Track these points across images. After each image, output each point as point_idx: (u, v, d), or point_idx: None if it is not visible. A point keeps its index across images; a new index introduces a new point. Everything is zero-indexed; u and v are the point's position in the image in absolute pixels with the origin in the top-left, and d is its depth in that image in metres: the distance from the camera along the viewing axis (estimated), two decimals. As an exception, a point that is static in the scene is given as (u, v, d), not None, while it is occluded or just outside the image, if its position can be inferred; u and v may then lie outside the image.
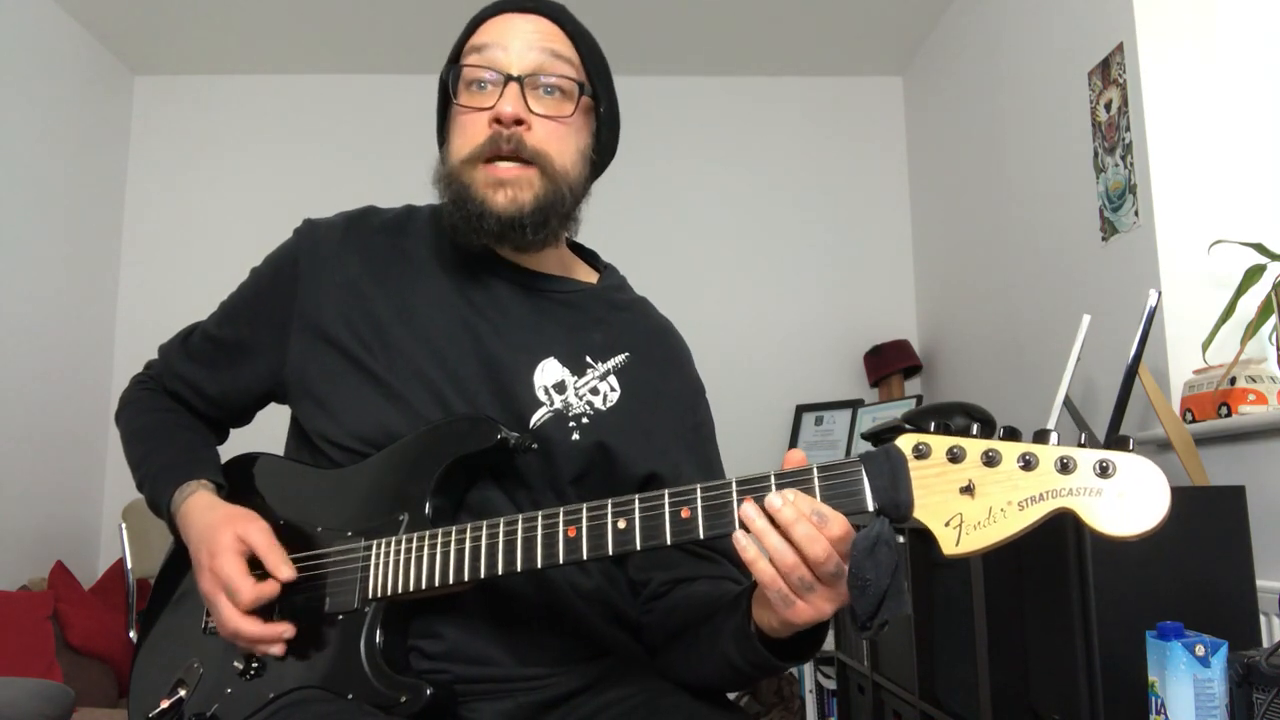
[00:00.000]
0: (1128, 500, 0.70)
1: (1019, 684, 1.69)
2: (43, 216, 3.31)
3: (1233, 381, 1.87)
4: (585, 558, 0.87)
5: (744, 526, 0.80)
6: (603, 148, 1.12)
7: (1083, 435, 0.74)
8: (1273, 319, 1.84)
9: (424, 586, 0.94)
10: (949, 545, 0.74)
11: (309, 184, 3.73)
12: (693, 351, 1.20)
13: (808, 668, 3.18)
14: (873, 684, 2.45)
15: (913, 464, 0.77)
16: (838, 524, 0.78)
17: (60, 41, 3.42)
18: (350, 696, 0.94)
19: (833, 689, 2.96)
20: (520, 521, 0.91)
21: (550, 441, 1.03)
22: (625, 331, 1.13)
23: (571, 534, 0.88)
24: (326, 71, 3.89)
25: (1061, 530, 1.54)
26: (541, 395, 1.05)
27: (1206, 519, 1.56)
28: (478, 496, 1.03)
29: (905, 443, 0.78)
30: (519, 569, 0.90)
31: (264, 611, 0.99)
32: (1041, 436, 0.74)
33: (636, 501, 0.86)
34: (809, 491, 0.80)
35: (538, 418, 1.04)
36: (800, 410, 3.73)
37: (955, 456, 0.75)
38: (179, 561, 1.13)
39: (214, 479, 1.10)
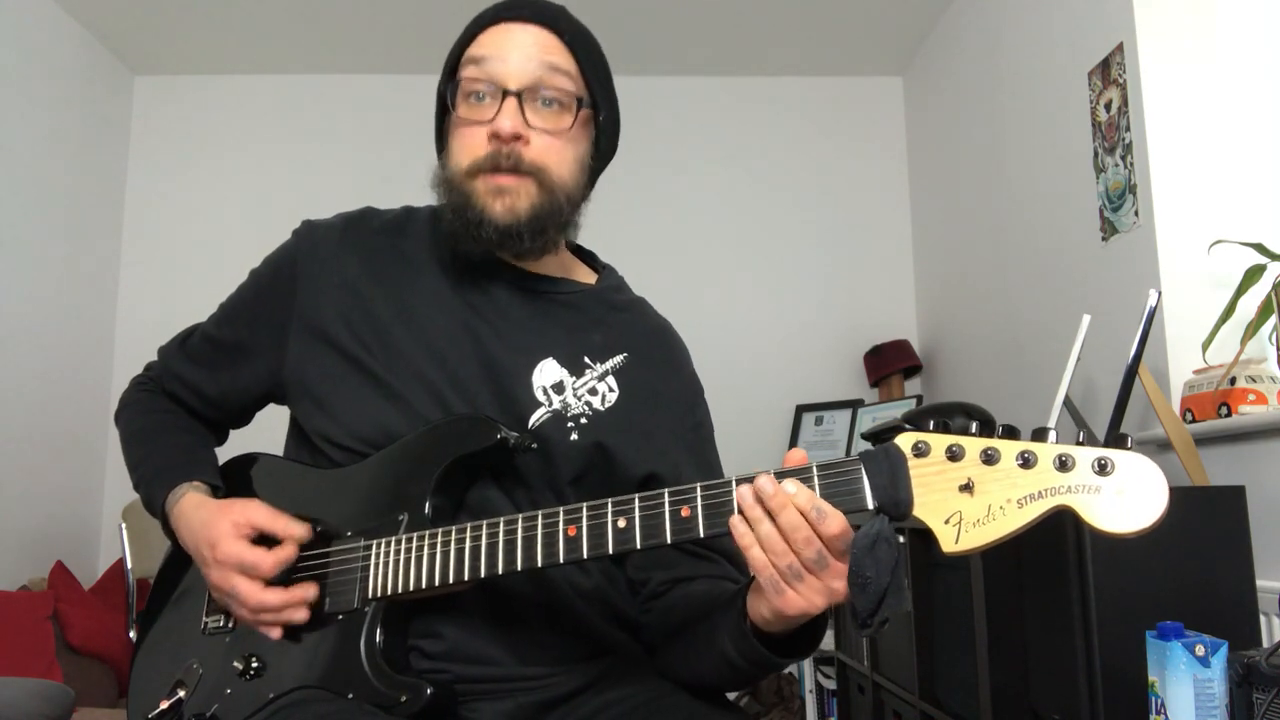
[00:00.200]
0: (1126, 498, 0.70)
1: (1019, 684, 1.69)
2: (43, 216, 3.31)
3: (1233, 381, 1.87)
4: (585, 557, 0.88)
5: (742, 513, 0.81)
6: (602, 154, 1.12)
7: (1081, 433, 0.74)
8: (1273, 319, 1.84)
9: (424, 586, 0.94)
10: (948, 543, 0.74)
11: (309, 184, 3.73)
12: (692, 351, 1.20)
13: (808, 668, 3.18)
14: (873, 684, 2.45)
15: (912, 462, 0.77)
16: (835, 521, 0.78)
17: (60, 41, 3.42)
18: (350, 696, 0.94)
19: (833, 689, 2.96)
20: (520, 521, 0.91)
21: (549, 442, 1.04)
22: (624, 332, 1.13)
23: (572, 533, 0.88)
24: (326, 71, 3.89)
25: (1062, 530, 1.54)
26: (540, 396, 1.05)
27: (1206, 519, 1.56)
28: (477, 496, 1.03)
29: (904, 441, 0.78)
30: (519, 568, 0.90)
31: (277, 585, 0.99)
32: (1040, 435, 0.74)
33: (636, 500, 0.86)
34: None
35: (536, 418, 1.04)
36: (800, 410, 3.73)
37: (954, 455, 0.75)
38: (178, 562, 1.13)
39: (209, 480, 1.11)
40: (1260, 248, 1.90)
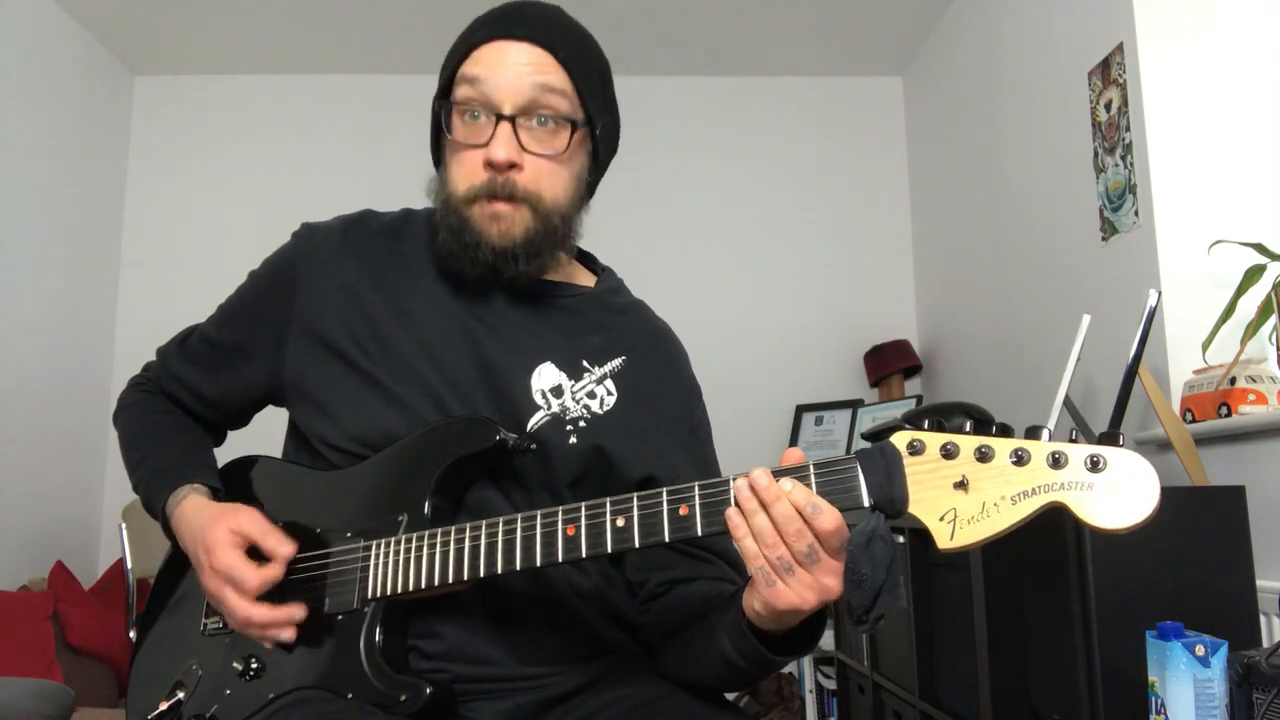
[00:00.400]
0: (1119, 494, 0.71)
1: (1019, 684, 1.69)
2: (43, 216, 3.32)
3: (1233, 381, 1.87)
4: (584, 556, 0.88)
5: (738, 505, 0.82)
6: (601, 163, 1.12)
7: (1074, 430, 0.75)
8: (1273, 319, 1.84)
9: (423, 586, 0.94)
10: (943, 540, 0.75)
11: (309, 184, 3.74)
12: (692, 352, 1.20)
13: (808, 668, 3.18)
14: (873, 684, 2.45)
15: (907, 460, 0.78)
16: (830, 517, 0.79)
17: (60, 41, 3.42)
18: (350, 696, 0.95)
19: (833, 689, 2.96)
20: (519, 521, 0.91)
21: (547, 445, 1.04)
22: (622, 335, 1.13)
23: (570, 532, 0.88)
24: (326, 71, 3.90)
25: (1061, 529, 1.54)
26: (539, 399, 1.05)
27: (1206, 519, 1.55)
28: (475, 498, 1.03)
29: (900, 439, 0.79)
30: (518, 568, 0.90)
31: (270, 599, 0.99)
32: (1033, 432, 0.75)
33: (635, 500, 0.86)
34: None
35: (535, 421, 1.04)
36: (800, 410, 3.73)
37: (949, 452, 0.76)
38: (177, 564, 1.13)
39: (209, 483, 1.11)
40: (1260, 248, 1.90)
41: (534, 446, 1.03)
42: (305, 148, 3.86)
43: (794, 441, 3.65)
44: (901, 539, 2.09)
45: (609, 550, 0.87)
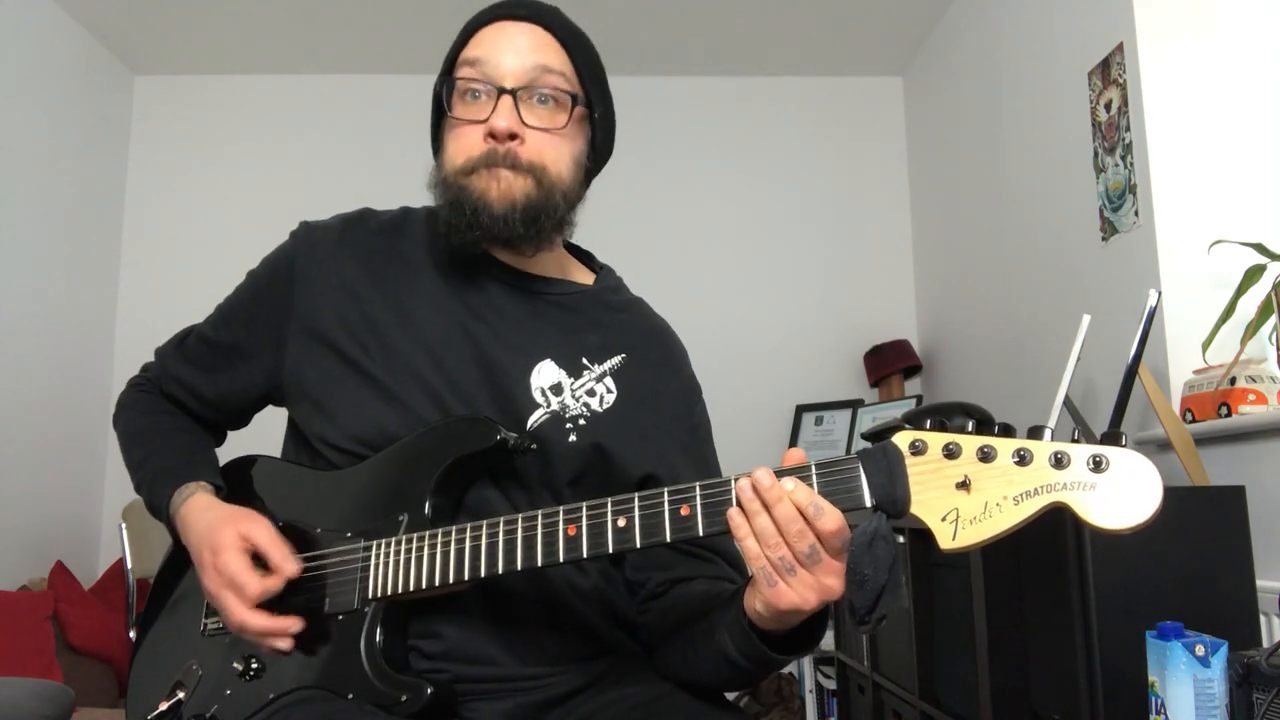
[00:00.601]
0: (1121, 494, 0.71)
1: (1019, 684, 1.69)
2: (43, 216, 3.31)
3: (1233, 381, 1.87)
4: (585, 556, 0.88)
5: (740, 505, 0.82)
6: (597, 153, 1.12)
7: (1076, 431, 0.75)
8: (1273, 319, 1.84)
9: (424, 586, 0.94)
10: (945, 540, 0.75)
11: (309, 184, 3.74)
12: (692, 351, 1.20)
13: (808, 668, 3.18)
14: (873, 684, 2.45)
15: (909, 460, 0.78)
16: (832, 518, 0.79)
17: (60, 41, 3.42)
18: (350, 696, 0.94)
19: (833, 689, 2.96)
20: (520, 521, 0.91)
21: (547, 443, 1.04)
22: (622, 333, 1.13)
23: (571, 532, 0.88)
24: (326, 71, 3.90)
25: (1062, 530, 1.54)
26: (538, 397, 1.05)
27: (1206, 519, 1.55)
28: (475, 497, 1.03)
29: (902, 439, 0.78)
30: (519, 568, 0.90)
31: (269, 608, 0.99)
32: (1036, 433, 0.75)
33: (636, 500, 0.86)
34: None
35: (534, 420, 1.04)
36: (800, 410, 3.73)
37: (951, 452, 0.76)
38: (177, 564, 1.13)
39: (212, 481, 1.10)
40: (1260, 248, 1.90)
41: (534, 446, 1.02)
42: (305, 148, 3.86)
43: (794, 441, 3.65)
44: (902, 539, 2.09)
45: (610, 550, 0.87)
